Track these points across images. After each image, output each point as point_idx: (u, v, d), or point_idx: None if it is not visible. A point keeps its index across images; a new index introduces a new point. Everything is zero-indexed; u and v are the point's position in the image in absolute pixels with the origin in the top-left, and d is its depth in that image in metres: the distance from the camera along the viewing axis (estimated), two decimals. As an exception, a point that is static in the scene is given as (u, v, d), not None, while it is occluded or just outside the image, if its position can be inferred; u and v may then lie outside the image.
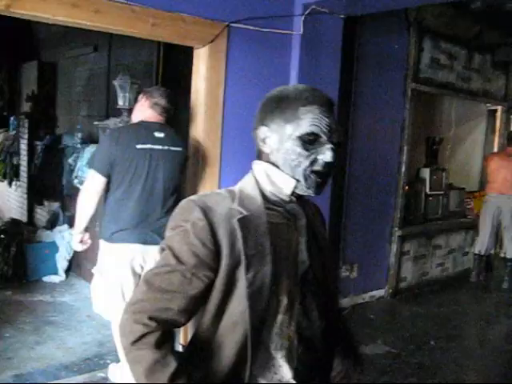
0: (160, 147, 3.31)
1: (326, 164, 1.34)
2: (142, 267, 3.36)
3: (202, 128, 3.77)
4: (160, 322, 1.26)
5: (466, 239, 6.89)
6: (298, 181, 1.35)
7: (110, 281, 3.31)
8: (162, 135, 3.32)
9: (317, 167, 1.34)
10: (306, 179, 1.34)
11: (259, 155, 1.42)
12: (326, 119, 1.33)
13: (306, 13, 4.02)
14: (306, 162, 1.33)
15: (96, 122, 5.32)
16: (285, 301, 1.34)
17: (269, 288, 1.30)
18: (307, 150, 1.33)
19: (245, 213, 1.31)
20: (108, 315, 3.43)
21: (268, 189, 1.38)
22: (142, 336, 1.24)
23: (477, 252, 6.73)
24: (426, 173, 6.12)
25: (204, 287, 1.29)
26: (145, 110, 3.42)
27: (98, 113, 5.90)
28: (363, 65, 5.04)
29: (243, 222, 1.30)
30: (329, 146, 1.33)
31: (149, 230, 3.29)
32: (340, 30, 4.33)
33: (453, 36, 6.19)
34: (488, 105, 7.42)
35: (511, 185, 6.40)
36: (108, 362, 3.81)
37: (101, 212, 3.40)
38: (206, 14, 3.58)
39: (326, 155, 1.33)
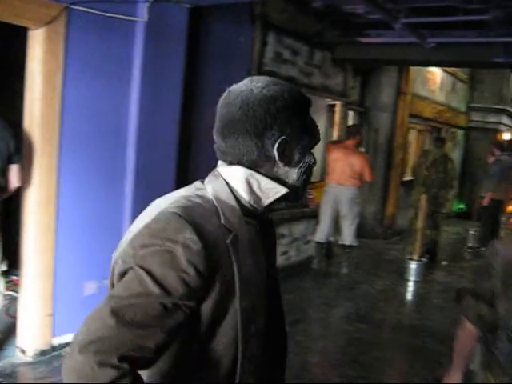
0: None
1: None
2: None
3: (38, 115, 3.53)
4: (134, 362, 1.02)
5: (307, 228, 7.18)
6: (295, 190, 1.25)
7: None
8: None
9: None
10: (305, 189, 1.27)
11: (253, 163, 1.20)
12: None
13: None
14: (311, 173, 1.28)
15: None
16: (261, 323, 1.23)
17: (256, 315, 1.19)
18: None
19: (233, 231, 1.15)
20: None
21: (245, 198, 1.21)
22: (113, 383, 0.98)
23: (318, 240, 7.05)
24: (270, 165, 6.23)
25: (183, 319, 1.09)
26: None
27: None
28: (208, 56, 5.02)
29: (234, 242, 1.14)
30: None
31: None
32: (185, 19, 4.28)
33: (295, 32, 6.40)
34: (328, 100, 7.80)
35: (348, 176, 6.77)
36: None
37: None
38: (43, -7, 3.35)
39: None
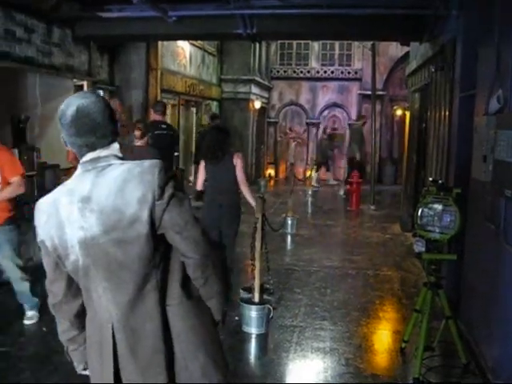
0: None
1: None
2: None
3: None
4: None
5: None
6: None
7: None
8: None
9: None
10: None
11: (110, 142, 1.87)
12: None
13: None
14: None
15: None
16: None
17: None
18: None
19: None
20: None
21: None
22: None
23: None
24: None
25: None
26: None
27: None
28: None
29: None
30: None
31: None
32: None
33: (28, 7, 5.88)
34: (74, 80, 7.37)
35: None
36: None
37: None
38: None
39: None
